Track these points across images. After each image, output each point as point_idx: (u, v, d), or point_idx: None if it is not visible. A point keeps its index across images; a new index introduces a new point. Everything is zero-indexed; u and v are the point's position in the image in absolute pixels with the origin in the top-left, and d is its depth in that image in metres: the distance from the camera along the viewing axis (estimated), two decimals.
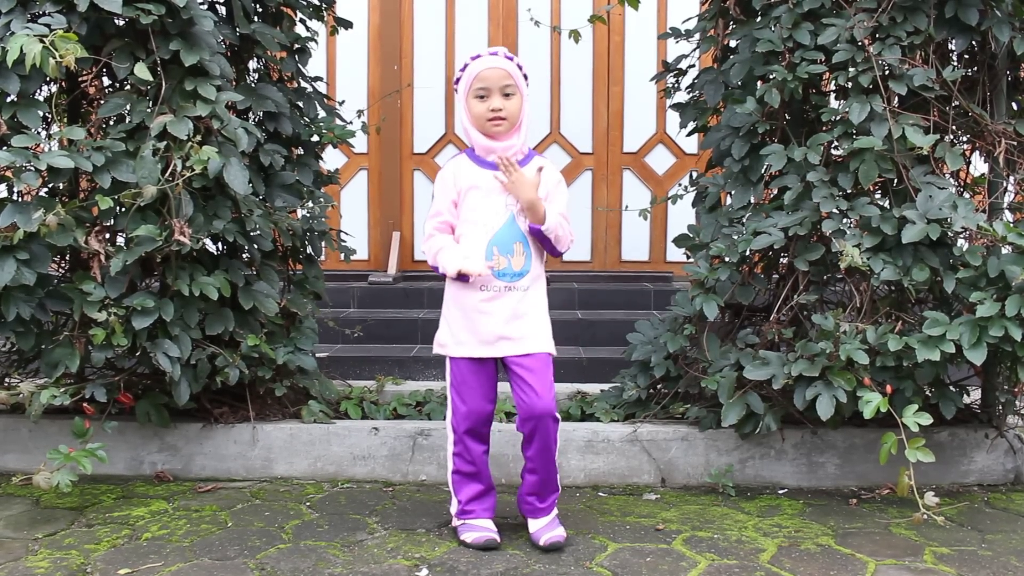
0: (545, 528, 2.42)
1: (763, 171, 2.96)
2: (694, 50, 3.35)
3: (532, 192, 2.34)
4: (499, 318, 2.37)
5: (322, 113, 3.36)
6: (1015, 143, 2.86)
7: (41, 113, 2.59)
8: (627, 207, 5.05)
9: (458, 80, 2.42)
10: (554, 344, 2.46)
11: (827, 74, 2.88)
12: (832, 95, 3.03)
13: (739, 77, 2.99)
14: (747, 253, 2.85)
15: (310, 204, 3.26)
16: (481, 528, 2.41)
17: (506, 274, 2.37)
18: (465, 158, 2.46)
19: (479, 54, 2.40)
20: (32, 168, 2.50)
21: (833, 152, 2.90)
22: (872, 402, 2.50)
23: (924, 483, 2.82)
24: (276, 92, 3.04)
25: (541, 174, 2.39)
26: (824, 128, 2.88)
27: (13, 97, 2.55)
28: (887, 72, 2.79)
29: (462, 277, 2.37)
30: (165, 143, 2.59)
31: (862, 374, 2.62)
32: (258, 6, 3.15)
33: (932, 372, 2.67)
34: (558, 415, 2.42)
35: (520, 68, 2.41)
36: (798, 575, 2.24)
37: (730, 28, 3.14)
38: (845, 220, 2.76)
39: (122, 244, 2.71)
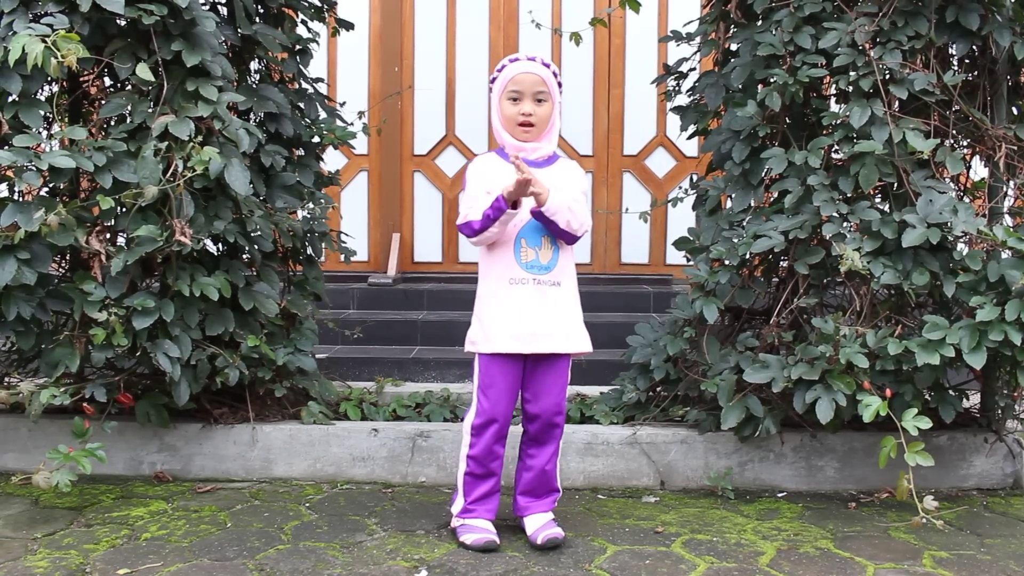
0: (542, 527, 2.42)
1: (763, 174, 2.96)
2: (695, 53, 3.36)
3: (540, 187, 2.31)
4: (530, 311, 2.37)
5: (323, 114, 3.36)
6: (1015, 147, 2.86)
7: (43, 113, 2.60)
8: (627, 210, 5.06)
9: (494, 80, 2.45)
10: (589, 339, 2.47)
11: (828, 78, 2.88)
12: (833, 99, 3.03)
13: (740, 80, 2.99)
14: (747, 256, 2.85)
15: (310, 205, 3.27)
16: (480, 529, 2.41)
17: (534, 266, 2.39)
18: (494, 155, 2.49)
19: (517, 57, 2.43)
20: (33, 168, 2.50)
21: (834, 156, 2.91)
22: (871, 406, 2.50)
23: (923, 487, 2.82)
24: (277, 93, 3.04)
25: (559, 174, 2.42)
26: (825, 132, 2.89)
27: (15, 97, 2.55)
28: (888, 76, 2.80)
29: (509, 214, 2.32)
30: (166, 143, 2.59)
31: (862, 378, 2.62)
32: (260, 7, 3.16)
33: (932, 376, 2.67)
34: (566, 417, 2.43)
35: (555, 76, 2.44)
36: None
37: (731, 31, 3.15)
38: (845, 224, 2.76)
39: (123, 244, 2.71)
